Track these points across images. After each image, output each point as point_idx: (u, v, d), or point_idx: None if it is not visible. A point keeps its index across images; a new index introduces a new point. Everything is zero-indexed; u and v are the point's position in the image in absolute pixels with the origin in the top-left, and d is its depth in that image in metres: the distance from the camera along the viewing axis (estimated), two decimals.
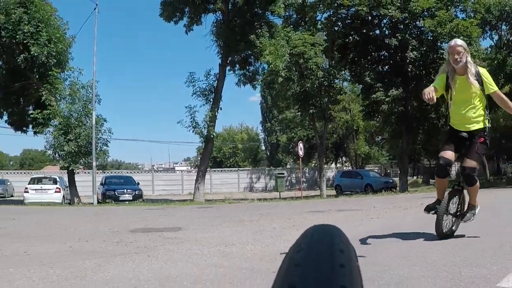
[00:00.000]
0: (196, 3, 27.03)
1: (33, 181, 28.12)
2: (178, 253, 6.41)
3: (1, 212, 16.12)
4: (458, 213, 6.57)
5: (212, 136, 28.03)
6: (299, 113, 35.11)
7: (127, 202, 25.48)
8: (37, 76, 26.69)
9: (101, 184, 29.72)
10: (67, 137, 25.68)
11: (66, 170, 27.82)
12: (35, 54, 25.05)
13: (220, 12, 28.29)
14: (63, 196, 26.90)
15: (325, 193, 30.67)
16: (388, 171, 61.39)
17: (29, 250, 6.89)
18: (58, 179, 28.16)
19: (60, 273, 5.20)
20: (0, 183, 40.49)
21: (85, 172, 30.29)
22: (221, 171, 55.52)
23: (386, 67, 29.96)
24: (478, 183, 6.40)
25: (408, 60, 27.59)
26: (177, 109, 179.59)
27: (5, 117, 30.89)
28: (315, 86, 29.60)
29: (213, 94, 28.55)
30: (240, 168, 59.01)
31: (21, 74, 27.24)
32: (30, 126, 29.96)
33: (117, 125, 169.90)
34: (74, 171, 27.43)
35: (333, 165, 60.37)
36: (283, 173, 40.21)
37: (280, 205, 17.91)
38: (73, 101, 26.76)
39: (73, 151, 25.56)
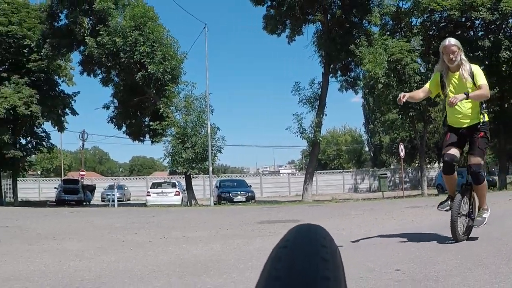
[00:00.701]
0: (297, 15, 29.44)
1: (154, 185, 32.04)
2: None
3: (139, 212, 19.16)
4: (471, 214, 6.65)
5: (318, 140, 30.25)
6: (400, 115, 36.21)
7: (240, 203, 28.19)
8: (154, 91, 30.15)
9: (216, 187, 32.67)
10: (184, 145, 29.00)
11: (183, 175, 31.21)
12: (152, 71, 28.54)
13: (320, 23, 30.44)
14: (182, 199, 30.44)
15: (426, 192, 31.71)
16: (493, 169, 60.61)
17: (186, 235, 9.41)
18: (176, 183, 31.77)
19: (221, 247, 7.57)
20: (119, 188, 44.71)
21: (196, 177, 33.48)
22: (326, 173, 57.54)
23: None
24: (486, 182, 6.57)
25: (501, 60, 27.83)
26: (281, 114, 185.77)
27: (124, 128, 35.02)
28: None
29: (318, 101, 30.89)
30: (344, 170, 60.85)
31: (139, 90, 30.90)
32: (147, 136, 33.80)
33: (224, 131, 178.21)
34: (191, 175, 30.63)
35: (436, 164, 60.62)
36: (386, 174, 41.77)
37: (382, 203, 19.84)
38: (188, 112, 30.02)
39: (190, 158, 28.80)
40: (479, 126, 6.36)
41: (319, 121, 29.62)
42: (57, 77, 37.87)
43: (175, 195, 30.44)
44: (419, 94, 6.96)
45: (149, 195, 30.92)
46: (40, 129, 38.36)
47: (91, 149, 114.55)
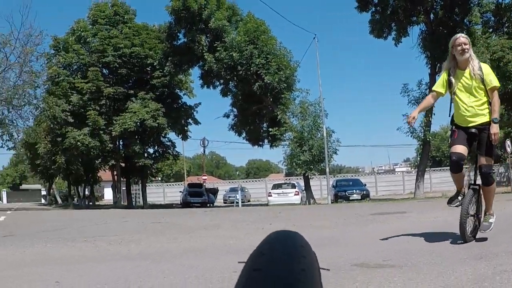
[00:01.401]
0: (400, 18, 31.17)
1: (275, 186, 35.27)
2: (402, 222, 11.09)
3: (265, 210, 21.90)
4: (479, 214, 6.70)
5: (428, 139, 31.82)
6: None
7: (355, 201, 30.50)
8: (271, 99, 33.21)
9: (333, 186, 35.16)
10: (302, 149, 31.74)
11: (301, 176, 34.06)
12: (268, 81, 31.48)
13: (423, 24, 31.89)
14: (301, 198, 33.35)
15: None
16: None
17: (312, 224, 11.79)
18: (296, 184, 34.72)
19: (339, 231, 9.90)
20: (241, 190, 47.93)
21: (313, 178, 35.95)
22: (440, 170, 58.08)
23: None
24: (495, 184, 6.57)
25: None
26: (393, 113, 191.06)
27: (243, 134, 38.35)
28: None
29: None
30: None
31: (256, 98, 34.04)
32: (266, 140, 36.87)
33: (338, 133, 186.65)
34: (309, 176, 33.34)
35: None
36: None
37: None
38: (304, 118, 32.67)
39: (307, 160, 31.52)
40: (488, 124, 6.35)
41: (428, 121, 30.82)
42: (178, 90, 42.34)
43: (295, 195, 33.52)
44: (430, 101, 7.11)
45: (271, 196, 34.27)
46: (166, 138, 43.04)
47: (209, 154, 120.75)
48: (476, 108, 6.37)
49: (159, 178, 69.75)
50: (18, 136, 32.62)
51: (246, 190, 50.56)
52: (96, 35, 38.60)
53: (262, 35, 32.74)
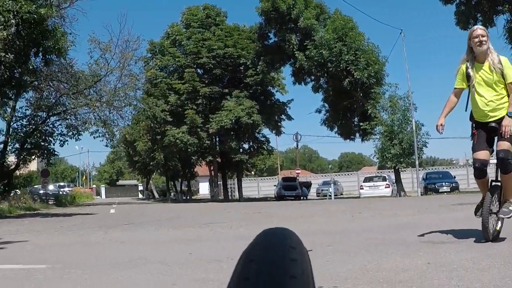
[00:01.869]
0: (485, 9, 31.54)
1: (367, 179, 36.79)
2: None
3: (356, 202, 23.40)
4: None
5: None
6: None
7: (445, 193, 31.41)
8: (361, 94, 34.67)
9: (423, 179, 36.03)
10: (392, 142, 33.08)
11: (392, 169, 35.32)
12: (358, 77, 32.92)
13: (509, 13, 31.91)
14: (392, 191, 34.69)
15: None
16: None
17: (396, 213, 12.83)
18: (386, 177, 36.09)
19: (419, 217, 10.96)
20: (334, 184, 48.81)
21: (404, 171, 36.77)
22: None
23: None
24: None
25: None
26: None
27: (335, 129, 39.95)
28: None
29: None
30: None
31: (347, 94, 35.56)
32: (357, 134, 38.23)
33: (428, 126, 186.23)
34: (399, 169, 34.51)
35: None
36: None
37: None
38: (393, 112, 33.98)
39: (398, 153, 32.80)
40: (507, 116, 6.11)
41: None
42: (271, 87, 44.52)
43: (386, 187, 34.95)
44: (454, 101, 6.74)
45: (362, 188, 35.89)
46: (260, 134, 45.42)
47: (301, 148, 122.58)
48: (497, 102, 6.21)
49: (253, 173, 72.01)
50: (119, 135, 35.53)
51: (338, 184, 51.45)
52: (190, 38, 41.62)
53: (350, 32, 34.21)
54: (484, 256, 5.21)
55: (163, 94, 39.92)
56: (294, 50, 35.87)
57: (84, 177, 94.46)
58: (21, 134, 28.52)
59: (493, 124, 6.16)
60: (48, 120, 29.15)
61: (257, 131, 43.79)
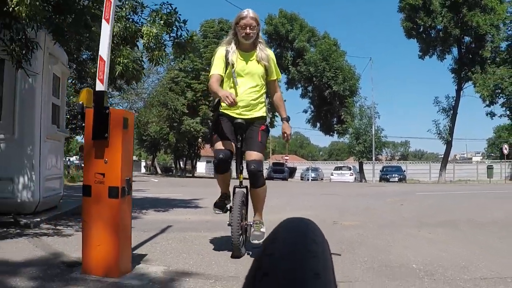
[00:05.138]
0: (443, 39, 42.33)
1: (337, 168, 48.42)
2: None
3: (323, 184, 33.63)
4: None
5: (449, 140, 42.74)
6: None
7: (394, 182, 40.92)
8: (338, 103, 45.36)
9: (380, 171, 46.64)
10: (358, 141, 44.26)
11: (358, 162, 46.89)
12: (336, 90, 43.55)
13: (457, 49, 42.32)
14: (355, 178, 45.71)
15: None
16: None
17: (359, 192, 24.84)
18: (351, 167, 47.60)
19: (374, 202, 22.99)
20: (314, 170, 57.33)
21: (367, 163, 48.12)
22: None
23: None
24: None
25: None
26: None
27: (318, 126, 51.17)
28: None
29: None
30: None
31: (327, 102, 46.28)
32: (335, 131, 49.58)
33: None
34: (363, 162, 45.92)
35: None
36: None
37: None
38: (361, 118, 44.98)
39: (362, 150, 44.27)
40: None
41: (453, 125, 42.30)
42: None
43: (350, 175, 45.87)
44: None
45: (332, 175, 47.05)
46: None
47: (293, 134, 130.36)
48: (254, 101, 5.36)
49: None
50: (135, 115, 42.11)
51: (320, 170, 59.84)
52: (207, 47, 50.28)
53: (333, 53, 44.83)
54: None
55: (182, 91, 48.66)
56: (289, 64, 46.88)
57: None
58: None
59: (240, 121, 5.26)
60: None
61: None
